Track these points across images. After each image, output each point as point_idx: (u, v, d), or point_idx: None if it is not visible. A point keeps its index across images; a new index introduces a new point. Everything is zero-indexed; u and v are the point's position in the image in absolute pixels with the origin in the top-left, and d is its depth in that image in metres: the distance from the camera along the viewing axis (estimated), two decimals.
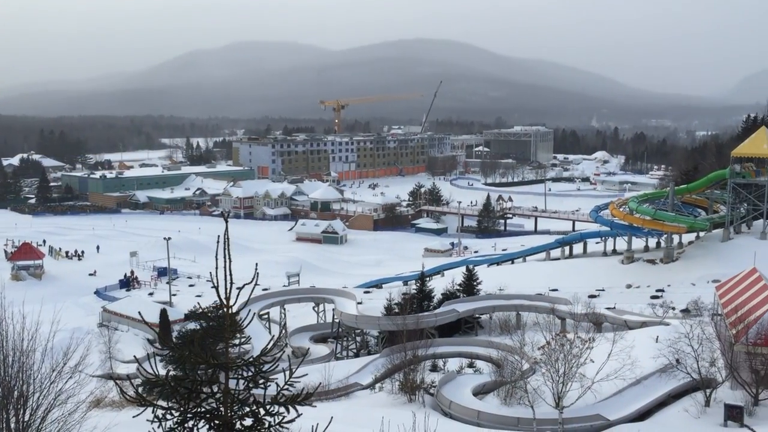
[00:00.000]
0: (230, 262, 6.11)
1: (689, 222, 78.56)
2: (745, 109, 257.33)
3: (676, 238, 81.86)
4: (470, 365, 48.81)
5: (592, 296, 66.36)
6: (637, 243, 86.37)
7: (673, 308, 57.35)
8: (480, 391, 41.21)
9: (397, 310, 59.62)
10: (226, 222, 6.35)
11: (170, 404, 6.26)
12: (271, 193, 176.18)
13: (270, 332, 59.49)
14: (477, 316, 62.95)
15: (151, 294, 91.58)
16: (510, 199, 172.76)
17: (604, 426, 33.72)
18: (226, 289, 6.34)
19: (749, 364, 34.29)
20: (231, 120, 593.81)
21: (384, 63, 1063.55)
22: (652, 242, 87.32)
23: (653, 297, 64.50)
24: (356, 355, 59.23)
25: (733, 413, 32.18)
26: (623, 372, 35.18)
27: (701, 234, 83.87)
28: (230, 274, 6.13)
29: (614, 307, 59.57)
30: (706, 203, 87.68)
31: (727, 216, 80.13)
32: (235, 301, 6.45)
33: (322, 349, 60.10)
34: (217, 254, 6.24)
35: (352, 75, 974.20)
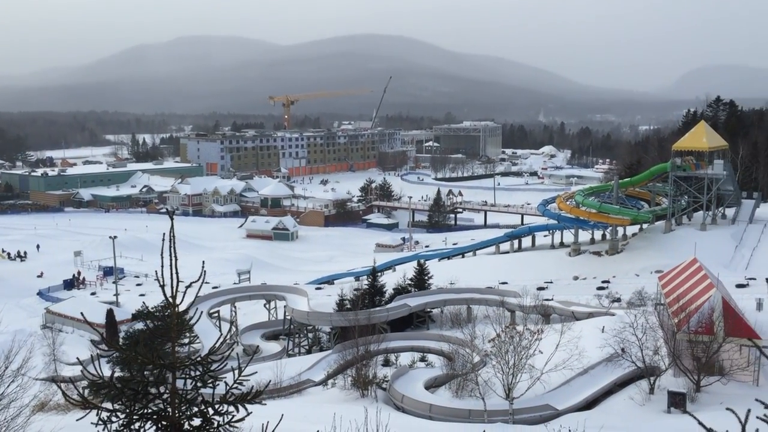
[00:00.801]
0: (176, 260, 6.02)
1: (633, 214, 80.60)
2: (685, 104, 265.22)
3: (620, 231, 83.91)
4: (422, 359, 49.16)
5: (540, 288, 67.55)
6: (584, 236, 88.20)
7: (619, 299, 58.83)
8: (432, 385, 41.53)
9: (349, 306, 59.64)
10: (172, 219, 6.25)
11: (115, 406, 6.14)
12: (220, 189, 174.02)
13: (220, 331, 58.81)
14: (428, 310, 63.38)
15: (93, 294, 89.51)
16: (460, 194, 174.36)
17: (552, 415, 34.33)
18: (172, 287, 6.24)
19: (691, 352, 35.36)
20: (178, 116, 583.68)
21: (334, 58, 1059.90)
22: (597, 235, 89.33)
23: (599, 288, 66.03)
24: (308, 352, 59.00)
25: (676, 400, 33.15)
26: (571, 362, 35.90)
27: (644, 226, 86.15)
28: (176, 273, 6.03)
29: (552, 298, 60.71)
30: (649, 196, 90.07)
31: (668, 208, 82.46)
32: (182, 300, 6.35)
33: (273, 347, 59.69)
34: (162, 252, 6.13)
35: (302, 70, 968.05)
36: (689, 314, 37.14)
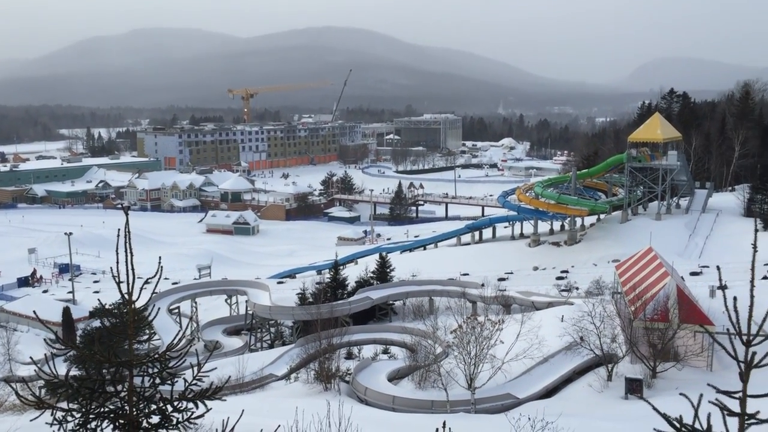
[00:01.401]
0: (132, 256, 5.92)
1: (590, 205, 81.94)
2: (640, 96, 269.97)
3: (578, 221, 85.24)
4: (385, 351, 49.33)
5: (501, 279, 68.27)
6: (543, 226, 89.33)
7: (577, 288, 59.81)
8: (395, 377, 41.69)
9: (311, 300, 59.48)
10: (127, 215, 6.15)
11: (71, 405, 6.03)
12: (179, 184, 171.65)
13: (181, 327, 58.05)
14: (391, 302, 63.59)
15: (45, 291, 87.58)
16: (421, 186, 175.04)
17: (514, 404, 34.77)
18: (128, 284, 6.15)
19: (647, 339, 36.15)
20: (135, 110, 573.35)
21: (293, 51, 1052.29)
22: (556, 225, 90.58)
23: (558, 278, 67.03)
24: (271, 346, 58.71)
25: (633, 386, 33.86)
26: (531, 351, 36.38)
27: (602, 216, 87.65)
28: (132, 269, 5.94)
29: (505, 289, 61.45)
30: (606, 187, 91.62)
31: (625, 198, 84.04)
32: (139, 297, 6.26)
33: (235, 342, 59.21)
34: (117, 248, 6.03)
35: (261, 63, 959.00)
36: (645, 302, 37.94)
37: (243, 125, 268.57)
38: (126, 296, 6.17)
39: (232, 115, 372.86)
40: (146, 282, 6.50)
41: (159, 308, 50.26)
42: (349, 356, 47.76)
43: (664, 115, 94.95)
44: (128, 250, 5.97)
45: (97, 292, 78.18)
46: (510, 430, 15.39)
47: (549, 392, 37.29)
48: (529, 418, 16.85)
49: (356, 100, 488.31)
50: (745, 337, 5.18)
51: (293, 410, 15.68)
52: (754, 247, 5.12)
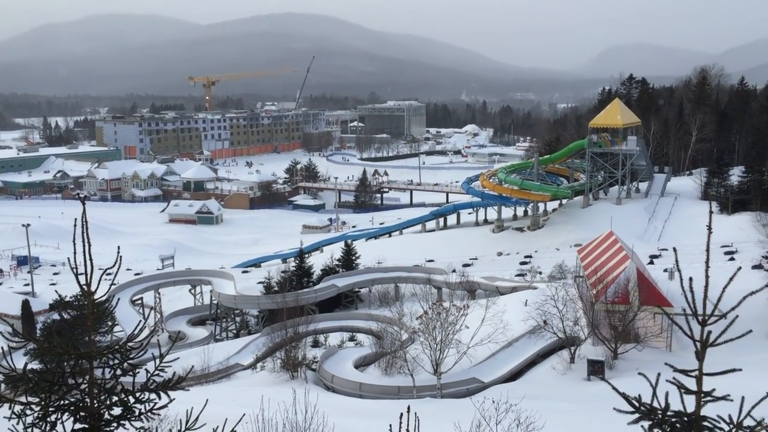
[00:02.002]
0: (90, 246, 5.81)
1: (553, 190, 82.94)
2: (601, 82, 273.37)
3: (541, 207, 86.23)
4: (351, 339, 49.42)
5: (466, 265, 68.78)
6: (507, 212, 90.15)
7: (540, 272, 60.59)
8: (361, 364, 41.84)
9: (276, 289, 59.23)
10: (84, 204, 6.03)
11: (29, 399, 5.92)
12: (140, 173, 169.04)
13: (144, 318, 57.40)
14: (357, 290, 63.67)
15: (0, 284, 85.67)
16: (386, 174, 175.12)
17: (479, 388, 35.20)
18: (87, 275, 6.04)
19: (608, 321, 36.85)
20: (93, 98, 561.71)
21: (255, 38, 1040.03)
22: (520, 211, 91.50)
23: (522, 263, 67.83)
24: (236, 336, 58.37)
25: (595, 368, 34.53)
26: (496, 336, 36.84)
27: (564, 201, 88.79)
28: (90, 259, 5.84)
29: (465, 274, 62.02)
30: (568, 172, 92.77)
31: (586, 184, 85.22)
32: (98, 288, 6.16)
33: (200, 332, 58.72)
34: (75, 238, 5.91)
35: (222, 50, 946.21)
36: (606, 285, 38.63)
37: (205, 113, 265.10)
38: (84, 288, 6.06)
39: (194, 103, 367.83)
40: (105, 272, 6.39)
41: (119, 299, 49.55)
42: (316, 344, 47.76)
43: (623, 101, 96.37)
44: (86, 241, 5.85)
45: (54, 284, 76.68)
46: (474, 413, 15.57)
47: (513, 376, 37.83)
48: (493, 401, 17.08)
49: (320, 88, 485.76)
50: (700, 317, 5.30)
51: (259, 399, 15.63)
52: (709, 228, 5.24)
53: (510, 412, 16.73)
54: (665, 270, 52.53)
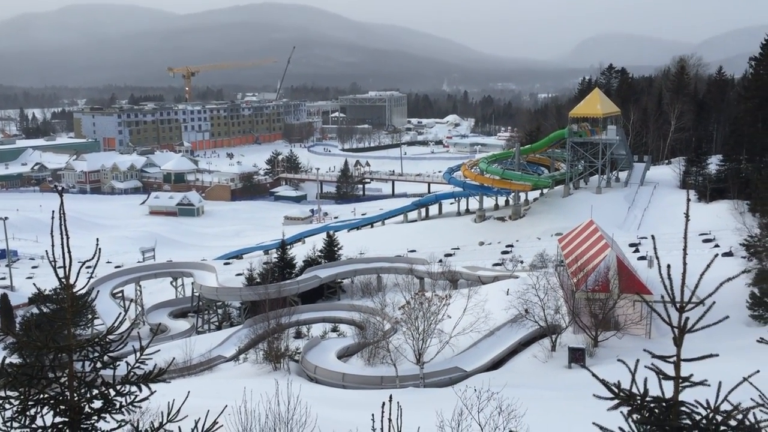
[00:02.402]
0: (68, 238, 5.76)
1: (534, 180, 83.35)
2: (581, 72, 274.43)
3: (522, 196, 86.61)
4: (334, 329, 49.44)
5: (448, 255, 68.98)
6: (488, 202, 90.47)
7: (522, 262, 60.94)
8: (344, 354, 41.90)
9: (258, 280, 59.07)
10: (61, 196, 5.96)
11: (8, 393, 5.87)
12: (120, 165, 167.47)
13: (125, 311, 57.01)
14: (339, 280, 63.66)
15: None
16: (367, 164, 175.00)
17: (461, 377, 35.40)
18: (65, 268, 5.98)
19: (589, 309, 37.20)
20: (70, 89, 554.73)
21: (234, 28, 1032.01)
22: (501, 201, 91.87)
23: (504, 252, 68.16)
24: (218, 328, 58.20)
25: (576, 355, 34.87)
26: (478, 325, 37.05)
27: (545, 191, 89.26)
28: (69, 251, 5.78)
29: (442, 262, 62.27)
30: (549, 162, 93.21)
31: (566, 173, 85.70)
32: (76, 280, 6.10)
33: (182, 325, 58.51)
34: (52, 231, 5.85)
35: (202, 40, 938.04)
36: (587, 274, 38.98)
37: (184, 104, 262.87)
38: (62, 280, 6.01)
39: (173, 94, 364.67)
40: (83, 265, 6.34)
41: (98, 291, 49.13)
42: (298, 335, 47.75)
43: (603, 91, 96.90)
44: (63, 233, 5.80)
45: (30, 277, 75.91)
46: (457, 401, 15.67)
47: (496, 364, 38.08)
48: (475, 390, 17.19)
49: (300, 78, 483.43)
50: (678, 304, 5.36)
51: (242, 391, 15.62)
52: (687, 216, 5.29)
53: (492, 400, 16.86)
54: (638, 255, 53.08)
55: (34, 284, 26.41)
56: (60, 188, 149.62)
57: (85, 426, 6.04)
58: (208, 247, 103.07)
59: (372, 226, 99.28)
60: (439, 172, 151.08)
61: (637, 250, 57.15)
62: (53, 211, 5.89)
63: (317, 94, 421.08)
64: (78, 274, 5.90)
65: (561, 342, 37.05)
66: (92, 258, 6.06)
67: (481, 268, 60.12)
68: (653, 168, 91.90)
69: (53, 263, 6.16)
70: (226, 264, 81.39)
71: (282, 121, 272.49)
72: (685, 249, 5.49)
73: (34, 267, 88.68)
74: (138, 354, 6.40)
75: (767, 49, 72.42)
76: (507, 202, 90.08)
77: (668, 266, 5.40)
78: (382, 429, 5.92)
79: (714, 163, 78.83)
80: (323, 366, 38.46)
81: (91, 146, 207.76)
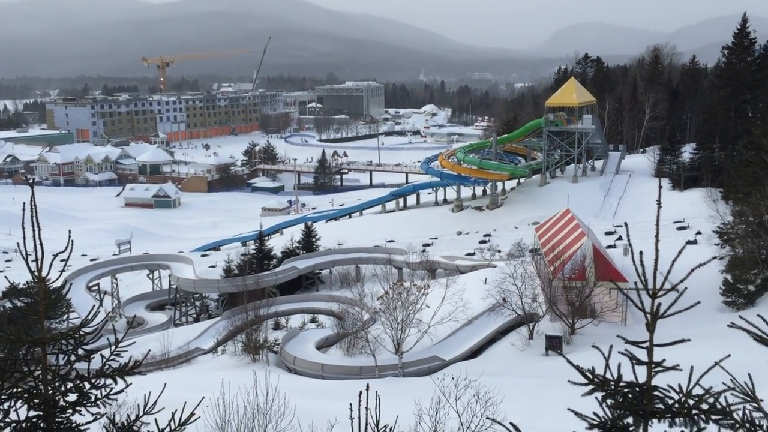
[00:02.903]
0: (40, 230, 5.68)
1: (511, 169, 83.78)
2: (557, 61, 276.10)
3: (500, 185, 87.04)
4: (313, 320, 49.43)
5: (426, 245, 69.18)
6: (466, 191, 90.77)
7: (499, 251, 61.30)
8: (323, 345, 41.93)
9: (236, 272, 58.81)
10: (33, 187, 5.88)
11: None
12: (94, 157, 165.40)
13: (101, 304, 56.43)
14: (317, 271, 63.58)
15: None
16: (345, 155, 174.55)
17: (440, 366, 35.60)
18: (37, 259, 5.90)
19: (566, 297, 37.57)
20: (42, 80, 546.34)
21: (209, 18, 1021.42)
22: (479, 190, 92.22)
23: (481, 242, 68.49)
24: (196, 320, 57.91)
25: (553, 343, 35.23)
26: (456, 314, 37.26)
27: (522, 180, 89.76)
28: (41, 243, 5.71)
29: (424, 255, 62.49)
30: (525, 151, 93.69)
31: (543, 162, 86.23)
32: (49, 273, 6.03)
33: (159, 317, 58.13)
34: (24, 223, 5.77)
35: (177, 30, 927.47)
36: (564, 262, 39.33)
37: (159, 95, 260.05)
38: (35, 273, 5.93)
39: (148, 85, 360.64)
40: (56, 257, 6.26)
41: (71, 284, 48.58)
42: (277, 327, 47.66)
43: (579, 80, 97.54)
44: (35, 224, 5.72)
45: (2, 271, 74.80)
46: (435, 390, 15.77)
47: (474, 353, 38.34)
48: (453, 378, 17.31)
49: (277, 69, 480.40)
50: (650, 290, 5.43)
51: (220, 382, 15.57)
52: (659, 203, 5.35)
53: (469, 388, 16.99)
54: (613, 243, 53.64)
55: (6, 278, 26.05)
56: (31, 180, 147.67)
57: (59, 419, 5.98)
58: (185, 239, 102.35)
59: (350, 217, 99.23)
60: (417, 162, 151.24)
61: (617, 240, 57.64)
62: (24, 203, 5.80)
63: (294, 84, 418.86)
64: (50, 266, 5.84)
65: (538, 330, 37.41)
66: (65, 250, 5.99)
67: (458, 257, 60.40)
68: (628, 157, 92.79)
69: (25, 256, 6.08)
70: (203, 256, 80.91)
71: (258, 112, 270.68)
72: (657, 236, 5.56)
73: (7, 261, 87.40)
74: (113, 346, 6.34)
75: (739, 39, 73.30)
76: (484, 191, 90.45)
77: (641, 253, 5.46)
78: (359, 418, 5.93)
79: (688, 152, 79.78)
80: (302, 357, 38.47)
81: (65, 138, 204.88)
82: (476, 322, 40.51)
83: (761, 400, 5.39)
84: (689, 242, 49.97)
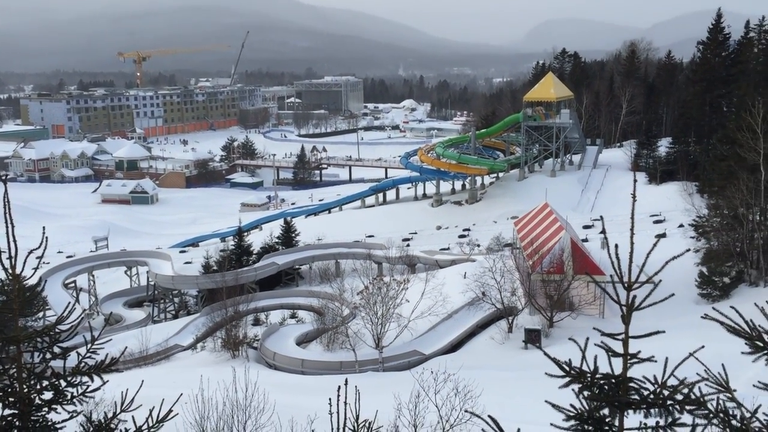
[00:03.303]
0: (13, 226, 5.61)
1: (489, 164, 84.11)
2: (535, 56, 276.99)
3: (479, 180, 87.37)
4: (292, 316, 49.34)
5: (405, 240, 69.28)
6: (445, 186, 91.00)
7: (478, 245, 61.57)
8: (303, 340, 41.89)
9: (215, 268, 58.49)
10: (5, 183, 5.80)
11: None
12: (70, 153, 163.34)
13: (78, 301, 55.88)
14: (297, 267, 63.44)
15: None
16: (324, 150, 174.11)
17: (420, 360, 35.74)
18: (10, 256, 5.83)
19: (544, 291, 37.86)
20: (17, 75, 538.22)
21: (187, 12, 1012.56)
22: (458, 185, 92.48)
23: (461, 236, 68.73)
24: (175, 317, 57.53)
25: (532, 336, 35.49)
26: (436, 308, 37.40)
27: (500, 175, 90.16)
28: (14, 239, 5.64)
29: (404, 249, 62.65)
30: (504, 146, 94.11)
31: (521, 157, 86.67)
32: (23, 269, 5.96)
33: (138, 314, 57.67)
34: None
35: (153, 25, 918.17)
36: (542, 256, 39.62)
37: (136, 90, 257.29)
38: (9, 270, 5.86)
39: (124, 80, 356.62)
40: (30, 253, 6.18)
41: (46, 281, 48.05)
42: (257, 323, 47.51)
43: (556, 75, 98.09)
44: (8, 221, 5.64)
45: None
46: (414, 384, 15.82)
47: (454, 347, 38.51)
48: (432, 372, 17.38)
49: (255, 63, 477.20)
50: (626, 283, 5.48)
51: (199, 379, 15.48)
52: (633, 197, 5.41)
53: (448, 381, 17.07)
54: (591, 236, 54.10)
55: None
56: (4, 176, 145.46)
57: (35, 418, 5.92)
58: (163, 235, 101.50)
59: (330, 212, 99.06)
60: (396, 157, 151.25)
61: (599, 234, 58.07)
62: None
63: (272, 79, 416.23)
64: (24, 263, 5.76)
65: (517, 323, 37.65)
66: (39, 247, 5.92)
67: (437, 252, 60.58)
68: (605, 151, 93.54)
69: None
70: (182, 252, 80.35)
71: (237, 107, 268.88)
72: (632, 229, 5.61)
73: None
74: (89, 344, 6.28)
75: (714, 34, 74.12)
76: (463, 186, 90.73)
77: (616, 246, 5.52)
78: (338, 413, 5.94)
79: (664, 146, 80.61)
80: (282, 352, 38.40)
81: (40, 134, 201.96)
82: (456, 316, 40.69)
83: (735, 391, 5.47)
84: (658, 236, 50.53)
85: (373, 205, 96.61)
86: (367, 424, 6.21)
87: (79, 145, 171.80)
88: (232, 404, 15.17)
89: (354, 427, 6.30)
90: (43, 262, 65.31)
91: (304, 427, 12.75)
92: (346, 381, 5.79)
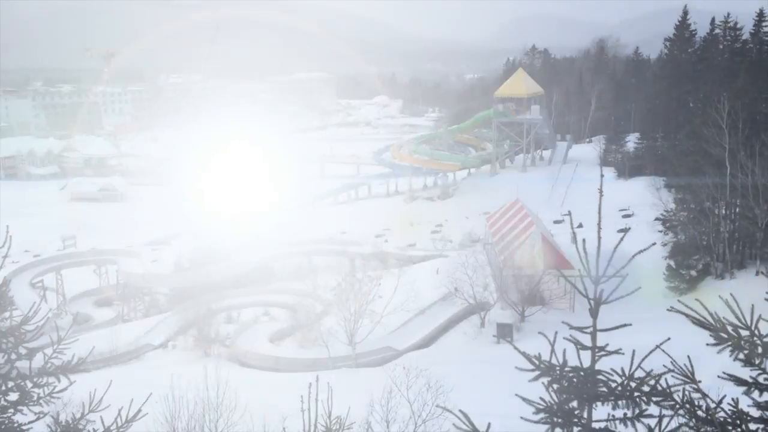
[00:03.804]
0: None
1: (461, 160, 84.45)
2: (506, 52, 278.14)
3: (450, 176, 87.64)
4: (265, 313, 49.07)
5: (378, 236, 69.28)
6: (417, 182, 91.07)
7: (451, 241, 61.82)
8: (277, 338, 41.70)
9: (188, 265, 57.89)
10: None
11: None
12: (36, 150, 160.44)
13: (46, 301, 55.01)
14: (270, 264, 62.97)
15: None
16: None
17: (393, 356, 35.78)
18: None
19: (516, 286, 38.15)
20: None
21: (157, 7, 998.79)
22: (430, 181, 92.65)
23: (433, 232, 68.90)
24: (146, 316, 56.82)
25: (504, 331, 35.76)
26: (408, 304, 37.47)
27: (472, 170, 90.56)
28: None
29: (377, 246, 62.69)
30: (477, 142, 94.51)
31: (493, 153, 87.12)
32: None
33: (107, 313, 56.89)
34: None
35: (121, 20, 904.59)
36: (513, 251, 39.90)
37: (104, 86, 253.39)
38: None
39: (92, 76, 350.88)
40: None
41: (10, 281, 47.16)
42: (229, 320, 47.16)
43: (527, 71, 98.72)
44: None
45: None
46: (387, 380, 15.86)
47: (427, 342, 38.63)
48: (404, 368, 17.43)
49: (226, 59, 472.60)
50: (593, 277, 5.55)
51: (170, 378, 15.35)
52: (600, 192, 5.48)
53: (420, 377, 17.13)
54: (557, 231, 54.55)
55: None
56: None
57: (0, 419, 5.83)
58: (133, 233, 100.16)
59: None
60: (369, 153, 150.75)
61: (559, 226, 58.58)
62: None
63: (244, 75, 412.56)
64: None
65: (489, 318, 37.90)
66: (2, 246, 5.81)
67: (410, 248, 60.68)
68: (575, 147, 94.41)
69: None
70: (153, 250, 79.32)
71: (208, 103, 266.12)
72: (599, 223, 5.69)
73: None
74: (56, 344, 6.19)
75: (680, 31, 75.19)
76: (436, 182, 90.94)
77: (584, 240, 5.58)
78: (310, 410, 5.94)
79: (632, 141, 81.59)
80: (255, 350, 38.21)
81: (4, 131, 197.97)
82: (428, 311, 40.85)
83: (700, 382, 5.58)
84: (621, 231, 51.17)
85: (346, 202, 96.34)
86: (339, 421, 6.21)
87: (45, 143, 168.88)
88: (203, 403, 15.06)
89: (326, 423, 6.30)
90: (12, 262, 63.95)
91: (276, 424, 12.72)
92: (317, 378, 5.78)
